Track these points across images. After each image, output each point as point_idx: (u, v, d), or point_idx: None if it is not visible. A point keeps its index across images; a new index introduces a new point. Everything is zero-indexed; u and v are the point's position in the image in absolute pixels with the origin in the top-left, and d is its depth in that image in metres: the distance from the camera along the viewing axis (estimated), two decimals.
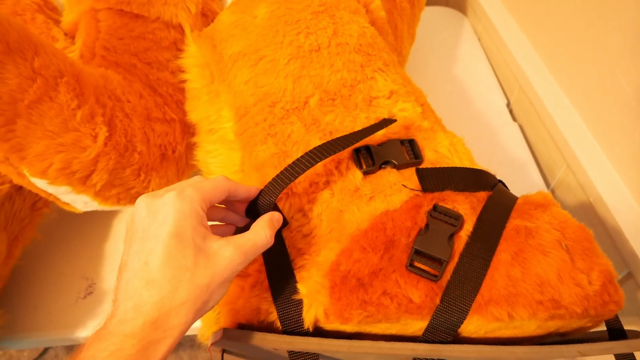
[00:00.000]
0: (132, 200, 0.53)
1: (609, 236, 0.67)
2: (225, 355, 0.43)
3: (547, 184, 0.81)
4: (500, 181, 0.47)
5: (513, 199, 0.43)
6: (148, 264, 0.30)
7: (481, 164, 0.50)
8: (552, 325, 0.38)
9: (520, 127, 0.87)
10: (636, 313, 0.65)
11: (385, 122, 0.44)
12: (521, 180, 0.79)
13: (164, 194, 0.32)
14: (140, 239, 0.31)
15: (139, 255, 0.31)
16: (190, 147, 0.58)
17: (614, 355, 0.42)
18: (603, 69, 0.66)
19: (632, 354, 0.41)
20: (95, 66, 0.54)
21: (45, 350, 1.21)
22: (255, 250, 0.33)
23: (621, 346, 0.36)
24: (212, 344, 0.40)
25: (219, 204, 0.36)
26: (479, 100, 0.88)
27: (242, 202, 0.38)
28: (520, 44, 0.87)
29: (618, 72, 0.64)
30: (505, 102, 0.89)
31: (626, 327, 0.43)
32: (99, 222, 0.70)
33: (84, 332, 0.61)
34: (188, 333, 0.60)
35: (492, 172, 0.48)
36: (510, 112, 0.90)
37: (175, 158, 0.57)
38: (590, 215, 0.71)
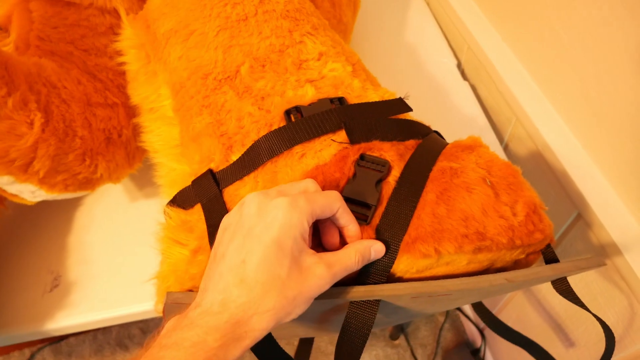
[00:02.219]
0: (80, 186, 0.54)
1: (558, 181, 0.69)
2: None
3: (501, 140, 0.83)
4: (436, 132, 0.49)
5: (442, 144, 0.44)
6: (245, 263, 0.31)
7: (436, 123, 0.52)
8: (483, 259, 0.39)
9: (473, 86, 0.89)
10: (588, 251, 0.68)
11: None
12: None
13: (277, 197, 0.33)
14: (243, 236, 0.32)
15: (239, 251, 0.31)
16: (138, 130, 0.58)
17: (551, 283, 0.45)
18: (542, 21, 0.68)
19: (566, 279, 0.44)
20: (31, 56, 0.54)
21: (32, 355, 1.22)
22: (342, 272, 0.34)
23: (546, 270, 0.38)
24: (164, 313, 0.41)
25: None
26: (430, 62, 0.89)
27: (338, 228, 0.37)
28: (466, 6, 0.88)
29: (555, 21, 0.65)
30: (456, 62, 0.90)
31: None
32: (59, 215, 0.71)
33: (53, 325, 0.62)
34: None
35: (447, 131, 0.49)
36: (462, 72, 0.92)
37: (122, 142, 0.57)
38: (540, 163, 0.73)
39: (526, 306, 0.90)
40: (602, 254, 0.63)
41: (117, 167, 0.57)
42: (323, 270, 0.32)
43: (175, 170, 0.49)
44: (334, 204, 0.34)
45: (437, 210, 0.37)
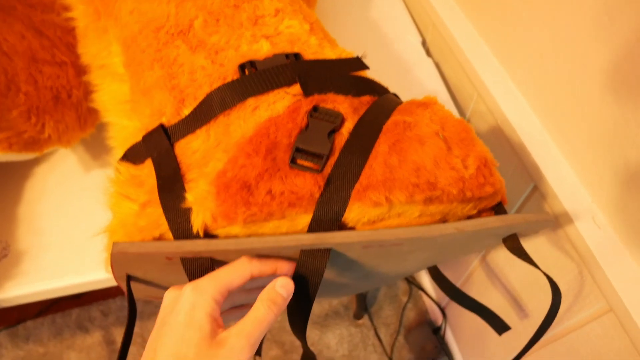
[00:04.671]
0: (26, 146, 0.52)
1: (515, 154, 0.70)
2: (132, 283, 0.43)
3: (463, 115, 0.85)
4: (394, 94, 0.49)
5: (398, 102, 0.44)
6: (156, 351, 0.33)
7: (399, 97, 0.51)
8: (435, 211, 0.39)
9: (437, 64, 0.90)
10: None
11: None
12: None
13: (186, 287, 0.35)
14: (158, 327, 0.35)
15: (153, 343, 0.34)
16: (90, 91, 0.56)
17: (503, 241, 0.45)
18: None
19: (517, 237, 0.44)
20: None
21: None
22: (261, 331, 0.34)
23: (494, 220, 0.39)
24: (112, 267, 0.40)
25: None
26: (395, 39, 0.89)
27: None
28: None
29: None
30: (421, 40, 0.91)
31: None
32: (8, 185, 0.68)
33: (1, 295, 0.60)
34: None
35: None
36: (427, 51, 0.92)
37: (72, 103, 0.55)
38: (500, 137, 0.74)
39: (485, 281, 0.92)
40: (555, 223, 0.65)
41: (67, 129, 0.55)
42: (238, 342, 0.33)
43: (127, 128, 0.48)
44: (243, 272, 0.36)
45: (389, 160, 0.37)
